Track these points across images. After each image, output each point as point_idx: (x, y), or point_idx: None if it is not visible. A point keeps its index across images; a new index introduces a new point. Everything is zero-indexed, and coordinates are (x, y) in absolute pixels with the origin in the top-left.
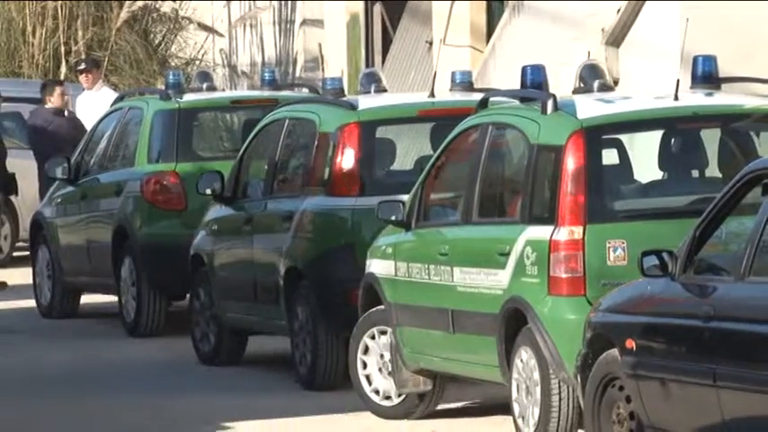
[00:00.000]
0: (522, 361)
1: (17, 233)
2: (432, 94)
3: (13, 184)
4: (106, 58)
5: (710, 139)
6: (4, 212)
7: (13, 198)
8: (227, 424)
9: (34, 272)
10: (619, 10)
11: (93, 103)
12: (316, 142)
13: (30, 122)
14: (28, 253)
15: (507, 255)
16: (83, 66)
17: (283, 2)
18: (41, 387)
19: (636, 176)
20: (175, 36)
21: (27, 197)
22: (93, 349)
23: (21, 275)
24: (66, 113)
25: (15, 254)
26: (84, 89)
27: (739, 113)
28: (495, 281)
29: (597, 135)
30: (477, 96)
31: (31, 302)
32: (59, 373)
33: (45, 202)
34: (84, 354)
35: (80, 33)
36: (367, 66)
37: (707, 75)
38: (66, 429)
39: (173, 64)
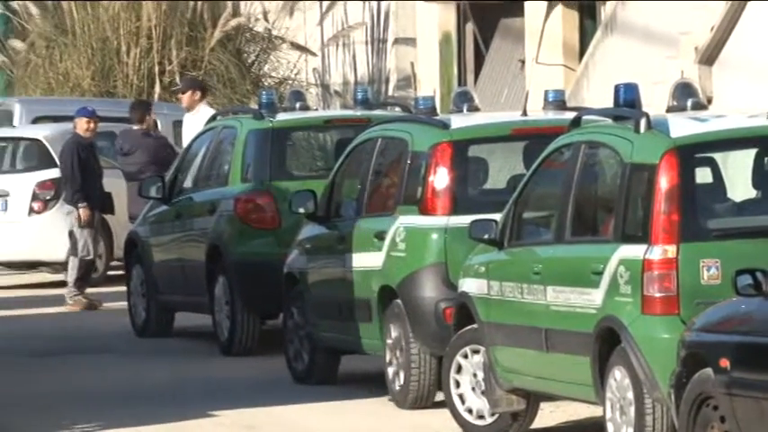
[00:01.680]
0: (615, 380)
1: (112, 252)
2: (524, 113)
3: (109, 204)
4: (200, 78)
5: None
6: (99, 232)
7: (107, 217)
8: None
9: (129, 291)
10: (713, 28)
11: (194, 123)
12: (408, 161)
13: (117, 144)
14: (122, 272)
15: (600, 274)
16: (181, 86)
17: (376, 21)
18: (139, 406)
19: (729, 195)
20: (269, 55)
21: (121, 216)
22: (188, 368)
23: (115, 294)
24: (153, 134)
25: (110, 273)
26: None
27: None
28: (589, 300)
29: (691, 154)
30: (570, 115)
31: (126, 321)
32: (156, 393)
33: (139, 221)
34: (180, 372)
35: (174, 53)
36: (459, 84)
37: None
38: None
39: (266, 83)
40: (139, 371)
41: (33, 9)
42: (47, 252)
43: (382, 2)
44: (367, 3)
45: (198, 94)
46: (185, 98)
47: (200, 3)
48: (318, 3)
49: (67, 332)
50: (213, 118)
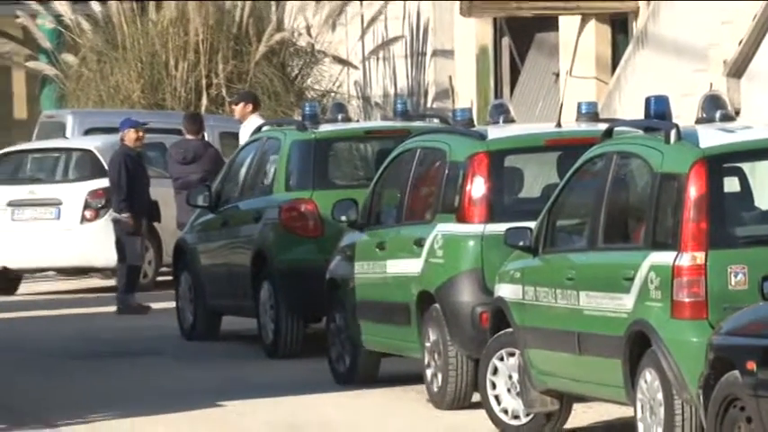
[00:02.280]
0: (646, 382)
1: (160, 258)
2: (558, 125)
3: (156, 212)
4: (247, 87)
5: None
6: (147, 239)
7: (155, 225)
8: None
9: (177, 295)
10: (740, 42)
11: (246, 134)
12: (446, 171)
13: (177, 153)
14: (171, 277)
15: (632, 280)
16: (234, 98)
17: (415, 35)
18: (183, 405)
19: (756, 204)
20: (312, 69)
21: (169, 224)
22: (234, 370)
23: (164, 299)
24: (201, 145)
25: (159, 278)
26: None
27: None
28: (620, 305)
29: (719, 164)
30: (603, 126)
31: (174, 325)
32: (201, 392)
33: (187, 229)
34: (226, 374)
35: (220, 67)
36: (496, 97)
37: None
38: None
39: (309, 96)
40: (185, 372)
41: (85, 24)
42: (98, 258)
43: (421, 16)
44: (407, 17)
45: (249, 107)
46: (238, 110)
47: (245, 18)
48: (360, 17)
49: (117, 335)
50: (258, 129)
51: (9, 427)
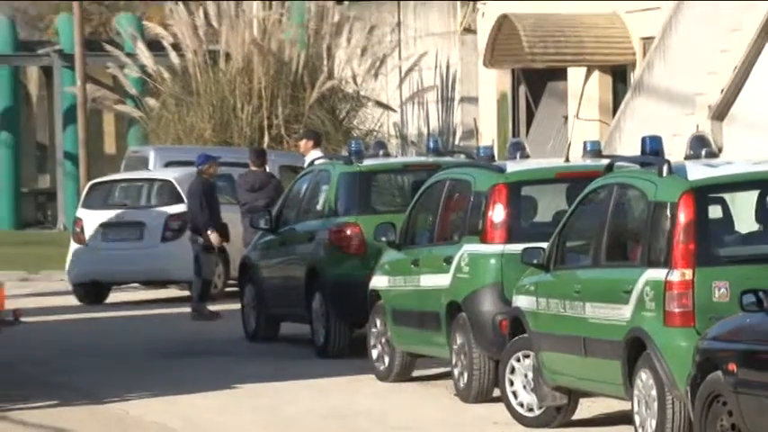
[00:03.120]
0: (641, 381)
1: (228, 273)
2: (567, 160)
3: (225, 233)
4: (300, 130)
5: None
6: (218, 255)
7: (225, 244)
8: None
9: (242, 304)
10: (723, 90)
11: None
12: (471, 199)
13: (246, 182)
14: (237, 289)
15: (630, 293)
16: (300, 135)
17: (445, 84)
18: (244, 398)
19: (737, 228)
20: (357, 112)
21: (236, 243)
22: (289, 368)
23: (231, 307)
24: (264, 176)
25: (227, 289)
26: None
27: None
28: (620, 314)
29: (704, 194)
30: (605, 162)
31: (240, 329)
32: (260, 386)
33: (251, 247)
34: (282, 371)
35: (280, 110)
36: (513, 136)
37: None
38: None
39: (355, 135)
40: (247, 369)
41: (165, 74)
42: (175, 273)
43: (450, 68)
44: (438, 69)
45: (311, 143)
46: (302, 144)
47: (301, 69)
48: (398, 69)
49: (191, 338)
50: (311, 163)
51: (61, 403)
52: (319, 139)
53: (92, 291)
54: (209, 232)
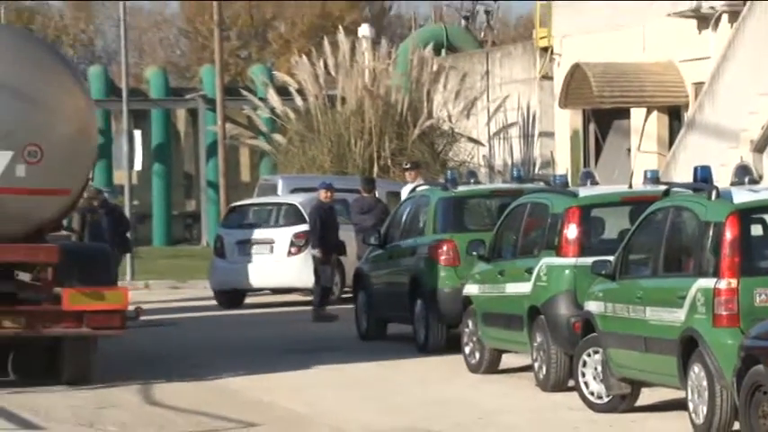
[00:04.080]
0: (694, 373)
1: (344, 281)
2: (630, 186)
3: (342, 248)
4: (408, 163)
5: None
6: (335, 268)
7: (341, 258)
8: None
9: (356, 308)
10: (763, 126)
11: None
12: (549, 219)
13: (357, 206)
14: (351, 295)
15: (684, 298)
16: (408, 166)
17: (526, 121)
18: (354, 388)
19: None
20: (452, 146)
21: (350, 257)
22: (395, 362)
23: (346, 311)
24: (373, 200)
25: (343, 296)
26: (408, 182)
27: None
28: (676, 317)
29: (747, 215)
30: (662, 188)
31: (353, 329)
32: (370, 377)
33: (363, 260)
34: (389, 364)
35: (387, 145)
36: (584, 166)
37: None
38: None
39: (450, 165)
40: (359, 363)
41: (291, 114)
42: (299, 281)
43: (531, 108)
44: (520, 109)
45: (413, 173)
46: (411, 174)
47: (405, 110)
48: (486, 109)
49: (312, 336)
50: (413, 189)
51: (197, 386)
52: (420, 169)
53: (230, 296)
54: (315, 249)
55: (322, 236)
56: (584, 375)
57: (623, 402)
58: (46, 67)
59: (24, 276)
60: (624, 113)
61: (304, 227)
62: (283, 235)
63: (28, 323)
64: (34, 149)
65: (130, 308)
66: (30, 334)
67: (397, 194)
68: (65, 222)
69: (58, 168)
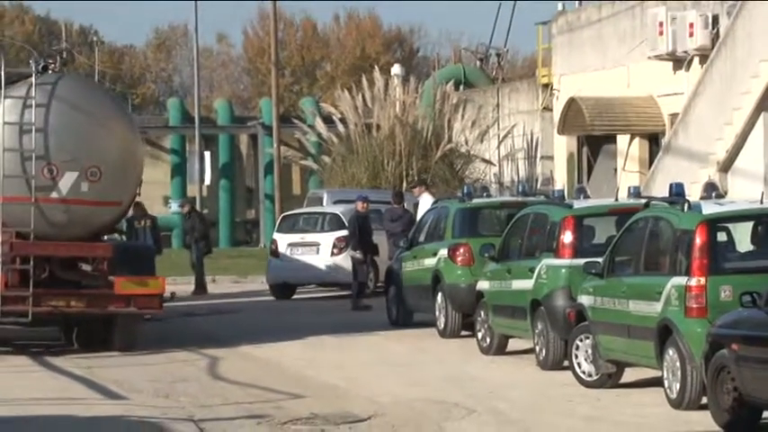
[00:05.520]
0: (669, 356)
1: (377, 278)
2: (616, 199)
3: (376, 250)
4: (429, 179)
5: None
6: (370, 266)
7: (375, 258)
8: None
9: (387, 299)
10: (727, 150)
11: (420, 203)
12: (548, 227)
13: (383, 215)
14: (383, 289)
15: (661, 293)
16: (413, 184)
17: (530, 145)
18: (384, 365)
19: (737, 248)
20: (468, 166)
21: (382, 257)
22: (419, 345)
23: (379, 302)
24: (402, 210)
25: (377, 290)
26: (415, 196)
27: None
28: (653, 309)
29: (714, 224)
30: (643, 201)
31: (384, 317)
32: (397, 358)
33: (393, 260)
34: (414, 346)
35: (414, 164)
36: (578, 183)
37: None
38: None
39: (466, 182)
40: (389, 345)
41: (335, 139)
42: (340, 277)
43: (534, 135)
44: (524, 135)
45: (423, 188)
46: (416, 190)
47: (429, 136)
48: (497, 136)
49: (351, 323)
50: (436, 202)
51: (229, 358)
52: (427, 185)
53: (283, 289)
54: (355, 251)
55: (359, 240)
56: (577, 357)
57: (610, 380)
58: (102, 107)
59: (86, 267)
60: (612, 139)
61: (344, 232)
62: (327, 239)
63: (89, 303)
64: (94, 170)
65: (167, 294)
66: (90, 311)
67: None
68: (122, 227)
69: (113, 185)
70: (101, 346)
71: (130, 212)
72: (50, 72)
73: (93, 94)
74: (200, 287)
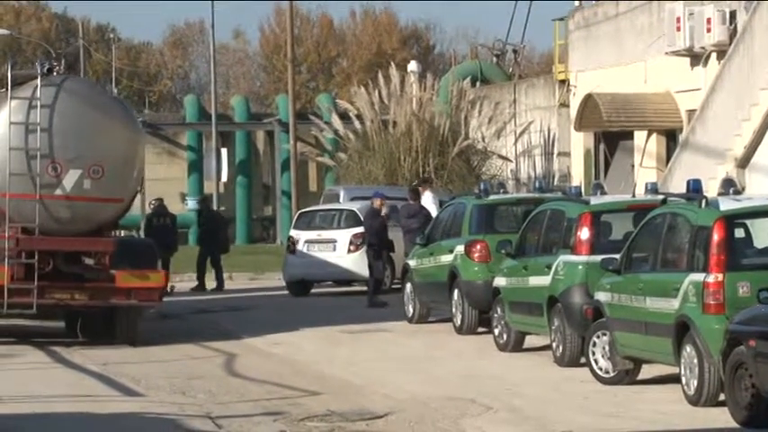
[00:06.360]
0: (686, 352)
1: (393, 274)
2: (633, 196)
3: (392, 246)
4: (445, 175)
5: None
6: (386, 262)
7: (391, 254)
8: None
9: (403, 295)
10: (745, 146)
11: (425, 200)
12: (565, 223)
13: (400, 211)
14: (399, 285)
15: (678, 290)
16: (415, 183)
17: (548, 142)
18: (398, 361)
19: (755, 244)
20: (485, 162)
21: (399, 253)
22: (436, 341)
23: (396, 298)
24: (419, 206)
25: (393, 286)
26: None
27: None
28: (671, 305)
29: (732, 220)
30: (660, 197)
31: (401, 313)
32: (414, 354)
33: (410, 256)
34: (430, 343)
35: (431, 161)
36: (595, 179)
37: None
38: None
39: (483, 178)
40: (405, 341)
41: (351, 135)
42: (357, 273)
43: (551, 131)
44: (542, 132)
45: (422, 188)
46: (421, 189)
47: (446, 132)
48: (514, 132)
49: (367, 319)
50: (451, 199)
51: (245, 355)
52: (431, 183)
53: (299, 286)
54: (369, 248)
55: (377, 237)
56: (594, 354)
57: (627, 376)
58: (105, 107)
59: (89, 261)
60: (629, 135)
61: (360, 229)
62: (344, 235)
63: (91, 296)
64: (97, 168)
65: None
66: (93, 304)
67: (442, 202)
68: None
69: (115, 182)
70: (104, 337)
71: (150, 209)
72: (55, 74)
73: (96, 95)
74: (200, 285)
